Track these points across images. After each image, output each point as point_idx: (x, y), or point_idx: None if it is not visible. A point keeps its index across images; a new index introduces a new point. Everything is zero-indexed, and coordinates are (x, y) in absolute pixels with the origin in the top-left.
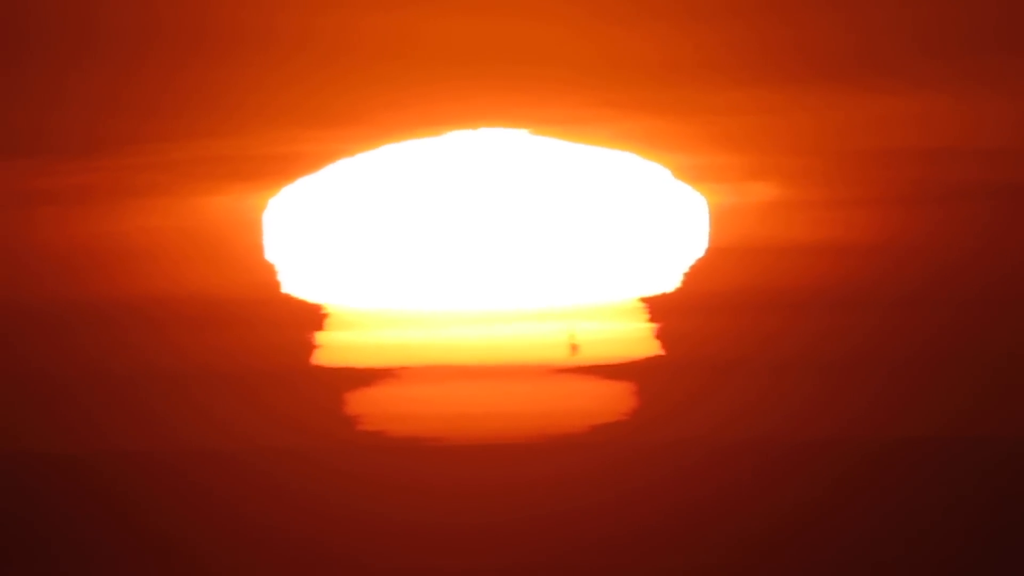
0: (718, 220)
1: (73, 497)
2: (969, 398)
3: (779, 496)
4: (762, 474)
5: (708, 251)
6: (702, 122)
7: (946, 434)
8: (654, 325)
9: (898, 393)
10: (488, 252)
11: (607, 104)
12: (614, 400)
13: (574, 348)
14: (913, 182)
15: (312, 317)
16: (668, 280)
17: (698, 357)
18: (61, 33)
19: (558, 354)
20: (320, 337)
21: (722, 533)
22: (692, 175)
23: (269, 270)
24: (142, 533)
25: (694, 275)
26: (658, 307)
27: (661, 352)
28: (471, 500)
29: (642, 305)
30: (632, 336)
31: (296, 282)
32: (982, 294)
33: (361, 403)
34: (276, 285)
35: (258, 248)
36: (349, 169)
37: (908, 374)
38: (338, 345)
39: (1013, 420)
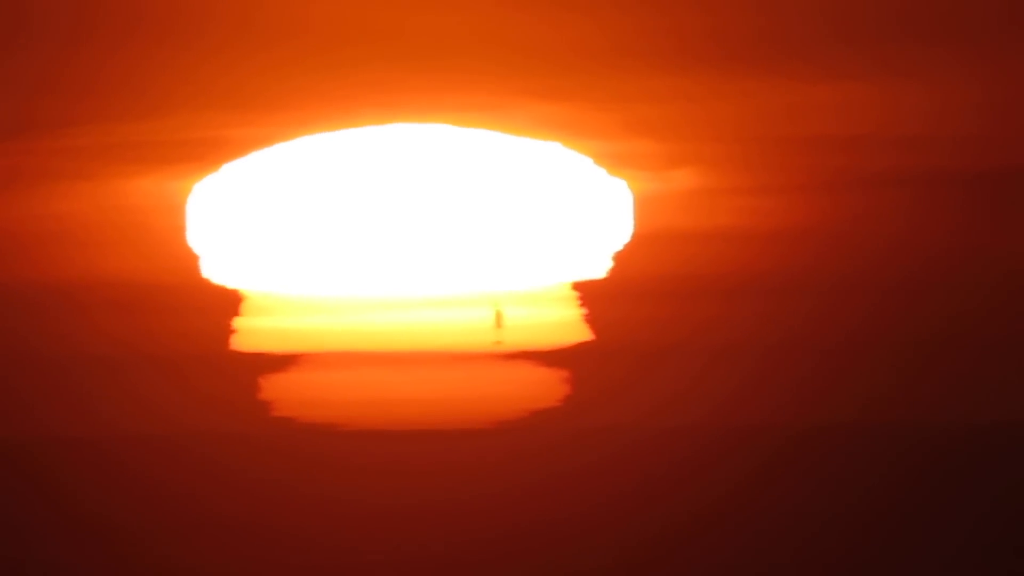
0: (641, 207)
1: (5, 481)
2: (893, 383)
3: (705, 481)
4: (689, 460)
5: (633, 238)
6: (618, 109)
7: (871, 418)
8: (581, 311)
9: (823, 379)
10: (413, 240)
11: (522, 92)
12: (542, 386)
13: (499, 323)
14: (834, 169)
15: (233, 303)
16: (594, 267)
17: (626, 343)
18: None
19: (486, 339)
20: (243, 322)
21: (648, 518)
22: (612, 162)
23: (190, 255)
24: (74, 516)
25: (620, 262)
26: (585, 293)
27: (589, 338)
28: (401, 481)
29: (569, 291)
30: (559, 322)
31: (217, 267)
32: (905, 280)
33: (286, 387)
34: (197, 270)
35: (181, 232)
36: (274, 156)
37: (833, 360)
38: (263, 330)
39: (938, 404)
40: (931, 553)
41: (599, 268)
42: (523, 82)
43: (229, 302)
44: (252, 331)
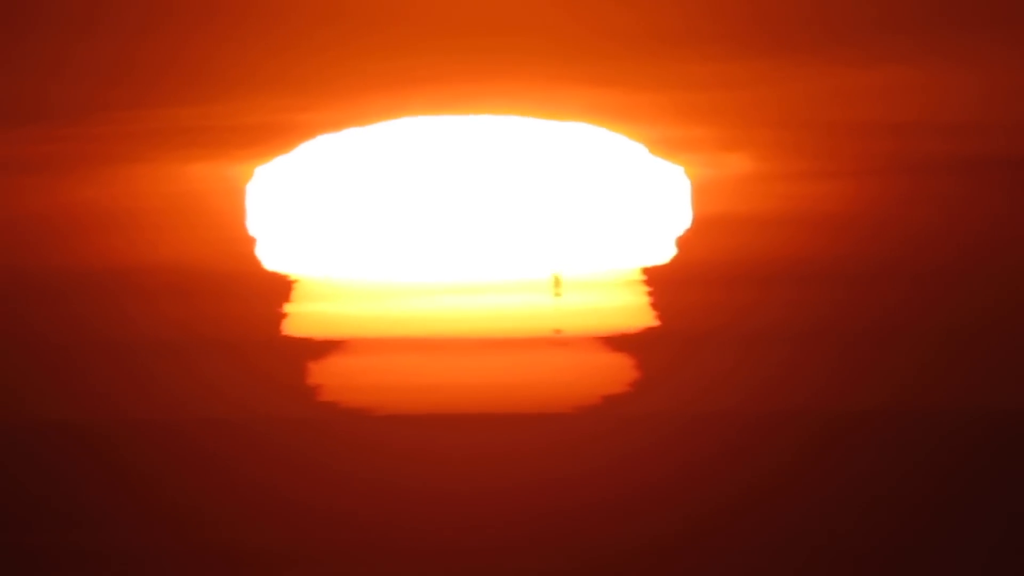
0: (698, 192)
1: (76, 461)
2: (936, 369)
3: (745, 466)
4: (730, 445)
5: (693, 222)
6: (667, 96)
7: (909, 404)
8: (645, 297)
9: (869, 364)
10: (475, 226)
11: (572, 80)
12: (595, 371)
13: (558, 288)
14: (882, 155)
15: (290, 288)
16: (656, 252)
17: (681, 328)
18: (71, 3)
19: (546, 325)
20: (300, 307)
21: (692, 502)
22: (664, 148)
23: (249, 240)
24: (144, 496)
25: (682, 247)
26: (649, 279)
27: (651, 323)
28: (462, 467)
29: (632, 277)
30: (619, 308)
31: (275, 253)
32: (951, 264)
33: (347, 373)
34: (254, 255)
35: (240, 217)
36: (333, 143)
37: (878, 345)
38: (320, 315)
39: (979, 390)
40: (964, 539)
41: (661, 254)
42: (572, 69)
43: (286, 287)
44: (309, 316)
